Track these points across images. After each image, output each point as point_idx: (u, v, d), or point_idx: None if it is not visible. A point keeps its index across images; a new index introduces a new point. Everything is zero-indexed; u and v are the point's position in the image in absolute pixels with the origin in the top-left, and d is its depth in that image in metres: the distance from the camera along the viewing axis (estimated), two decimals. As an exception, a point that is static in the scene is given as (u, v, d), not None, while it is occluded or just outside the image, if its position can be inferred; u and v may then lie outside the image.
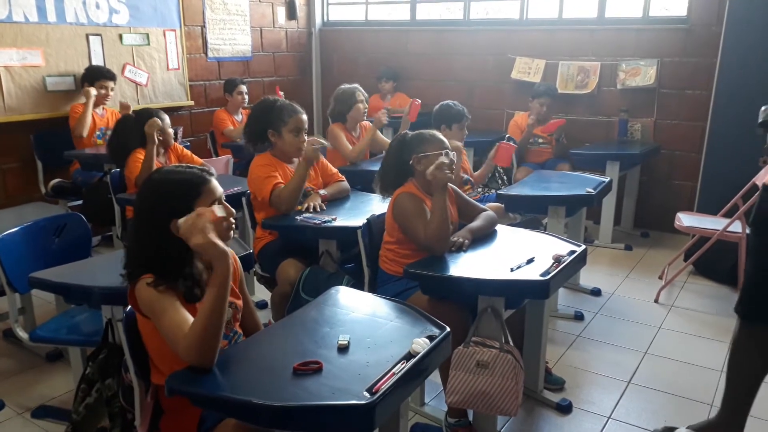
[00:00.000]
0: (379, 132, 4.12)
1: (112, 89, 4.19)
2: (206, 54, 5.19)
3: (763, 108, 2.11)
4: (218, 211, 1.57)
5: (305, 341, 1.62)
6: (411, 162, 2.41)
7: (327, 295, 1.92)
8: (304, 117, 2.89)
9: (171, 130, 3.47)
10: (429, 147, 2.40)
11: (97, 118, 4.16)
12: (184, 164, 1.72)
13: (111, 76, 4.19)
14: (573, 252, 2.27)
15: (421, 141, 2.43)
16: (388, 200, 2.48)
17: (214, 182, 1.67)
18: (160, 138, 3.36)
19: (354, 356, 1.53)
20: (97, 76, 4.13)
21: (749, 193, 3.33)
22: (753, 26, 3.65)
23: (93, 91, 4.06)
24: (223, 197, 1.68)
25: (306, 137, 2.88)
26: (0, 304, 2.97)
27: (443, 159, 2.28)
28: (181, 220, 1.54)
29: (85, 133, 4.05)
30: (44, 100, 4.12)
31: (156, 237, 1.59)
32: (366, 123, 4.08)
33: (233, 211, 1.67)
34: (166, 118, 3.45)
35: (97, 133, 4.16)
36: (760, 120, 2.10)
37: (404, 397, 1.60)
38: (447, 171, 2.25)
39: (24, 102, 4.00)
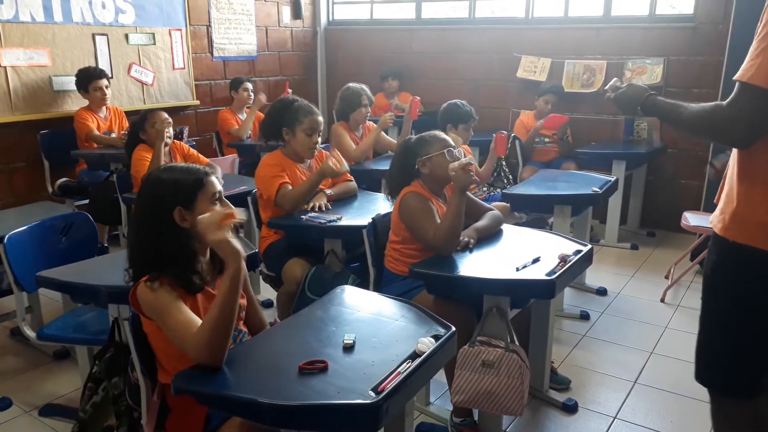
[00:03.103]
0: (383, 132, 4.12)
1: (107, 87, 4.12)
2: (212, 53, 5.20)
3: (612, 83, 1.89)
4: (239, 214, 1.59)
5: (311, 340, 1.62)
6: (417, 166, 2.41)
7: (332, 295, 1.92)
8: (320, 119, 2.90)
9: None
10: (432, 148, 2.40)
11: (100, 120, 4.16)
12: (182, 163, 1.76)
13: (102, 75, 4.11)
14: (579, 251, 2.26)
15: (424, 144, 2.43)
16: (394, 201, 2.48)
17: (214, 178, 1.70)
18: (169, 136, 3.38)
19: (359, 355, 1.53)
20: (88, 78, 4.06)
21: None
22: (760, 24, 3.62)
23: (95, 129, 4.04)
24: (223, 194, 1.71)
25: (320, 139, 2.89)
26: (7, 303, 3.00)
27: (468, 159, 2.27)
28: (201, 216, 1.57)
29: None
30: (51, 99, 4.14)
31: (160, 231, 1.60)
32: (370, 123, 4.07)
33: (233, 208, 1.69)
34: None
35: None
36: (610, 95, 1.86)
37: (409, 396, 1.60)
38: (471, 172, 2.22)
39: (31, 102, 4.02)
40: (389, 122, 3.93)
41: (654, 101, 1.73)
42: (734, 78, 1.43)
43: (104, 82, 4.11)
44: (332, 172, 2.81)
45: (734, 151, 1.58)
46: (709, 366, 1.69)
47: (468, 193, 2.57)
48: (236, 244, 1.55)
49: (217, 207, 1.64)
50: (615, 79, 1.92)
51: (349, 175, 3.13)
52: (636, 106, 1.77)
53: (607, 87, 1.90)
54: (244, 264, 1.73)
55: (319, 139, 2.89)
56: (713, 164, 2.16)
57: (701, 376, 1.71)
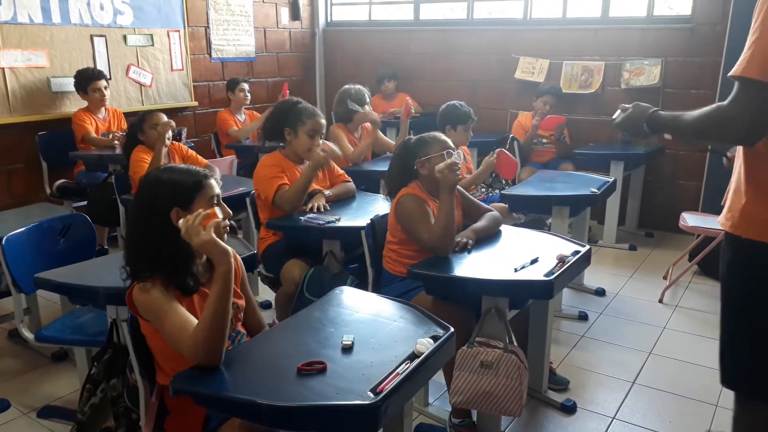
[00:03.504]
0: (381, 133, 4.12)
1: (106, 87, 4.11)
2: (210, 55, 5.20)
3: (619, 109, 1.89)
4: (218, 212, 1.59)
5: (309, 341, 1.62)
6: (415, 167, 2.41)
7: (331, 296, 1.92)
8: (323, 121, 2.91)
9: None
10: (432, 149, 2.40)
11: (98, 122, 4.16)
12: (181, 163, 1.75)
13: (100, 76, 4.11)
14: (577, 252, 2.27)
15: (424, 144, 2.43)
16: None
17: (212, 181, 1.70)
18: (168, 137, 3.38)
19: (358, 356, 1.53)
20: (87, 80, 4.06)
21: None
22: (758, 25, 3.63)
23: (92, 132, 4.05)
24: (221, 197, 1.71)
25: (321, 142, 2.89)
26: (5, 305, 3.00)
27: (454, 158, 2.28)
28: (181, 221, 1.56)
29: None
30: (49, 101, 4.13)
31: (156, 230, 1.60)
32: (367, 124, 4.08)
33: (230, 212, 1.69)
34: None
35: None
36: (617, 120, 1.86)
37: (408, 397, 1.60)
38: (457, 171, 2.23)
39: (29, 103, 4.02)
40: (377, 121, 3.92)
41: (657, 116, 1.72)
42: (729, 75, 1.43)
43: (103, 83, 4.10)
44: (324, 161, 2.80)
45: (739, 149, 1.59)
46: (733, 368, 1.68)
47: (466, 193, 2.59)
48: (222, 243, 1.55)
49: (216, 210, 1.64)
50: (621, 105, 1.90)
51: (347, 176, 3.14)
52: (641, 124, 1.76)
53: (615, 115, 1.89)
54: (240, 260, 1.74)
55: (320, 142, 2.90)
56: (726, 155, 2.14)
57: (727, 379, 1.69)
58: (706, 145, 1.77)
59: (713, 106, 1.50)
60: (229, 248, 1.56)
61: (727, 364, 1.70)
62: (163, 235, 1.60)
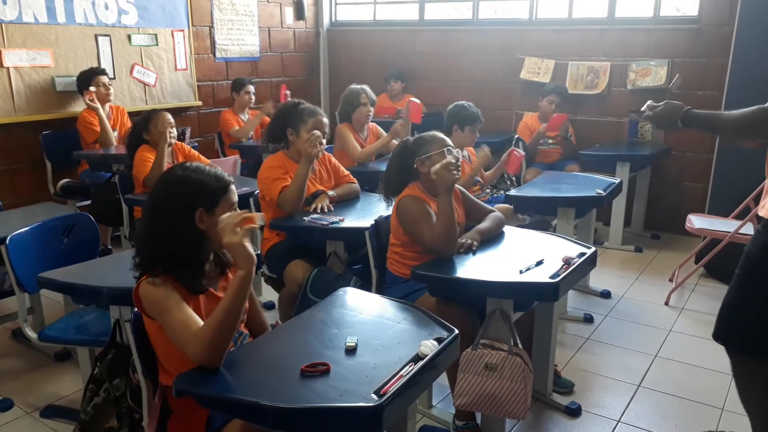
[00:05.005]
0: (383, 132, 4.10)
1: (109, 84, 4.15)
2: (214, 54, 5.20)
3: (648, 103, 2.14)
4: (258, 219, 1.61)
5: (313, 343, 1.61)
6: (415, 166, 2.40)
7: (334, 297, 1.91)
8: (325, 120, 2.89)
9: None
10: (431, 147, 2.38)
11: None
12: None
13: (103, 72, 4.14)
14: (583, 254, 2.25)
15: (423, 143, 2.42)
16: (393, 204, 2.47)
17: (234, 188, 1.73)
18: (173, 136, 3.38)
19: (362, 358, 1.52)
20: (91, 76, 4.08)
21: (761, 194, 3.29)
22: (765, 26, 3.60)
23: (94, 100, 4.02)
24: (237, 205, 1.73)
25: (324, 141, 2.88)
26: (9, 304, 3.00)
27: (449, 158, 2.26)
28: (225, 215, 1.59)
29: (113, 141, 4.10)
30: (53, 100, 4.14)
31: (177, 228, 1.60)
32: (373, 125, 4.06)
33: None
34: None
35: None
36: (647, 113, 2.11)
37: (412, 399, 1.59)
38: (453, 171, 2.22)
39: (33, 102, 4.03)
40: (400, 132, 3.80)
41: (694, 114, 1.94)
42: None
43: (106, 78, 4.14)
44: (313, 152, 2.74)
45: None
46: (746, 331, 1.96)
47: (468, 194, 2.58)
48: (250, 249, 1.55)
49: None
50: (649, 101, 2.11)
51: (352, 177, 3.13)
52: (676, 120, 1.97)
53: (643, 108, 2.12)
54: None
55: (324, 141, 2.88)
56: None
57: (733, 339, 1.99)
58: (741, 141, 2.16)
59: (754, 108, 1.76)
60: (254, 255, 1.56)
61: (734, 326, 1.99)
62: (183, 233, 1.60)
